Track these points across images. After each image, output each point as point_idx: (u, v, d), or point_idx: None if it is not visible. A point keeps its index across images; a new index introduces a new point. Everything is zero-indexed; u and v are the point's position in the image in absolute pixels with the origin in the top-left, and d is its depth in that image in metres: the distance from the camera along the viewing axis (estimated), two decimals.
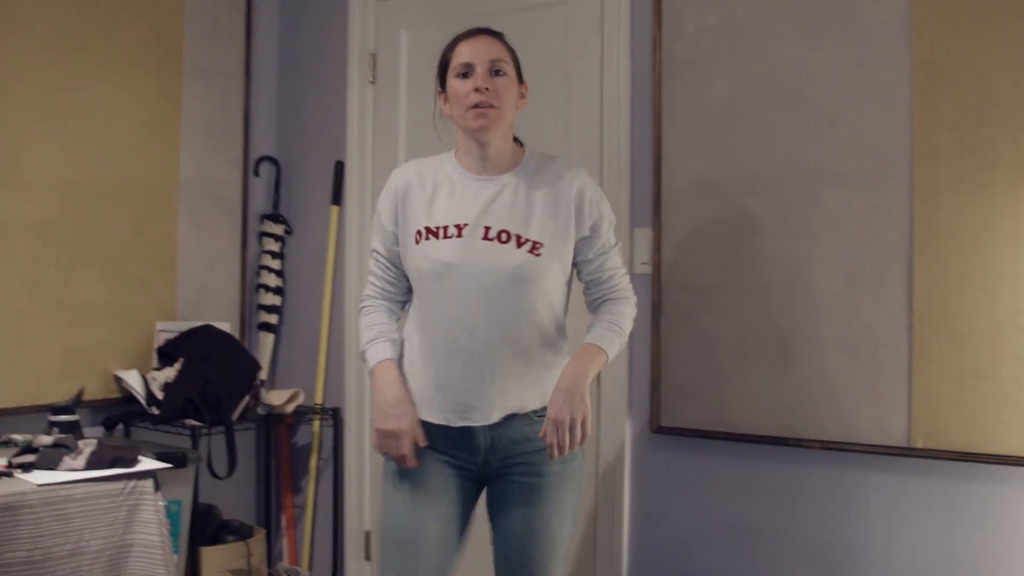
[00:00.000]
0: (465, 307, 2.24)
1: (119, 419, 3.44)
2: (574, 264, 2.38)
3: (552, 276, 2.30)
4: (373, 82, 3.83)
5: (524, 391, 2.28)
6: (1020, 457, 2.52)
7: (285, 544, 4.03)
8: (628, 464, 3.19)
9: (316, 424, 3.95)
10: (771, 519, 2.94)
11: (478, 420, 2.27)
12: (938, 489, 2.69)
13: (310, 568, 3.97)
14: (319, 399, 3.93)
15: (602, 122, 3.25)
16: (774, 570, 2.93)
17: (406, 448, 2.26)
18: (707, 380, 3.01)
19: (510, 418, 2.28)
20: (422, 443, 2.28)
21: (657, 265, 3.09)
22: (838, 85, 2.81)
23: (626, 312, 2.39)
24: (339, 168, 3.91)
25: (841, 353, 2.79)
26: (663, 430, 3.09)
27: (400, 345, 2.39)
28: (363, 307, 2.44)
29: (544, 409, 2.29)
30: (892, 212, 2.72)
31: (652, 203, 3.11)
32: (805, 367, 2.84)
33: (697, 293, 3.02)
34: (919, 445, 2.67)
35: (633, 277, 3.16)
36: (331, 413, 3.89)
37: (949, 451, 2.62)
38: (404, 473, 2.31)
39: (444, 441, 2.31)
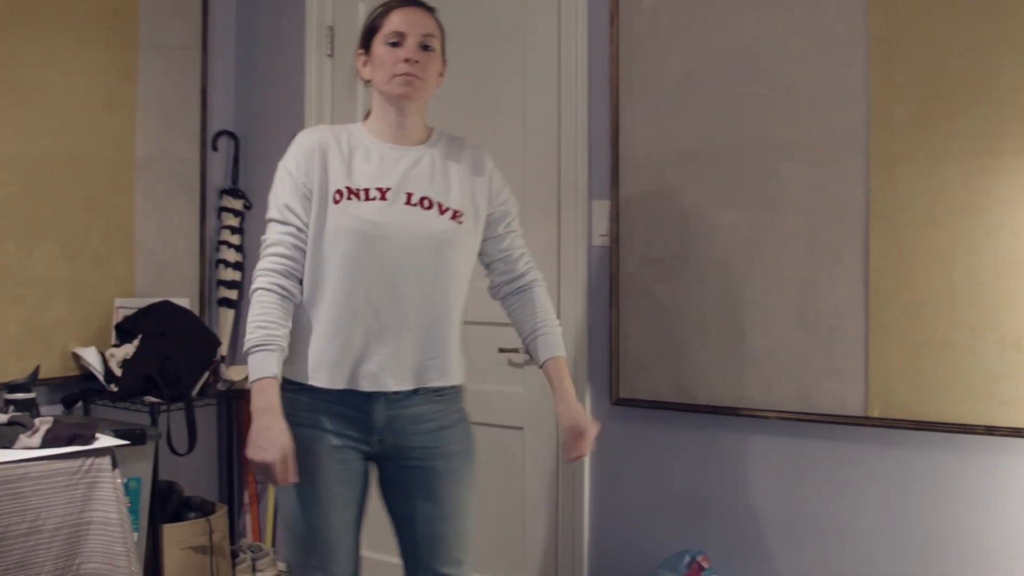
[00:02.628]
0: (387, 270, 2.21)
1: (78, 397, 3.42)
2: (481, 244, 2.39)
3: (469, 247, 2.32)
4: (331, 55, 3.79)
5: (434, 362, 2.26)
6: (973, 425, 2.56)
7: (248, 520, 4.03)
8: None
9: None
10: (730, 489, 2.97)
11: (390, 385, 2.22)
12: (894, 458, 2.72)
13: (273, 544, 3.97)
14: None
15: (560, 95, 3.24)
16: (732, 538, 2.96)
17: (278, 482, 2.12)
18: (665, 352, 3.02)
19: (414, 393, 2.26)
20: (292, 477, 2.12)
21: (615, 237, 3.09)
22: (795, 57, 2.82)
23: (548, 304, 2.41)
24: None
25: (798, 324, 2.81)
26: (622, 402, 3.10)
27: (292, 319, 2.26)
28: (258, 288, 2.22)
29: (445, 390, 2.30)
30: (848, 183, 2.74)
31: (610, 175, 3.11)
32: (762, 338, 2.86)
33: (655, 265, 3.03)
34: (875, 415, 2.69)
35: (591, 249, 3.18)
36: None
37: (905, 420, 2.65)
38: (300, 465, 2.17)
39: (340, 422, 2.25)
